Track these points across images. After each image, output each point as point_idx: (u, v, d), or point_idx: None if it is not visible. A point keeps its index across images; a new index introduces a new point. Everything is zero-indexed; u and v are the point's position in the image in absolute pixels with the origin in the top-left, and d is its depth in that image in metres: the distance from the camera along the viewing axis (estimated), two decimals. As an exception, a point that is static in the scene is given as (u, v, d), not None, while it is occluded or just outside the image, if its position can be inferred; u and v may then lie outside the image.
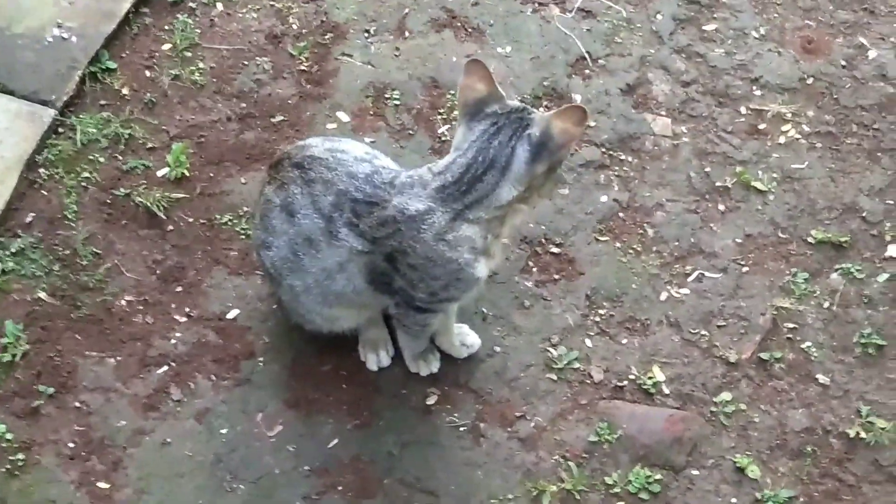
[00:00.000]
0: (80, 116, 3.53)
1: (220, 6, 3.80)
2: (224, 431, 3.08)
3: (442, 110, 3.63)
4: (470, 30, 3.81)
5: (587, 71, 3.74)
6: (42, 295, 3.24)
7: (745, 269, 3.39)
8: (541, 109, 3.61)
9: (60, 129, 3.51)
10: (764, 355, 3.24)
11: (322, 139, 3.00)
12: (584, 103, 3.63)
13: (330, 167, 2.83)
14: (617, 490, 3.04)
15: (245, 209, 3.40)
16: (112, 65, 3.64)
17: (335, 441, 3.08)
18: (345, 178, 2.80)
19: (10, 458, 2.99)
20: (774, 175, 3.54)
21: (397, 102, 3.65)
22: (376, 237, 2.77)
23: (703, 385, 3.20)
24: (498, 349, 3.24)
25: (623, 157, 3.58)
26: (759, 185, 3.52)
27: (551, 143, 2.67)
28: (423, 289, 2.81)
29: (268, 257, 2.95)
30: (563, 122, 2.67)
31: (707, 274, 3.38)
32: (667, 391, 3.19)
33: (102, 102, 3.58)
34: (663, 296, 3.34)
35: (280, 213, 2.87)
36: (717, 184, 3.53)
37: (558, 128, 2.67)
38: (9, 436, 3.02)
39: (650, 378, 3.20)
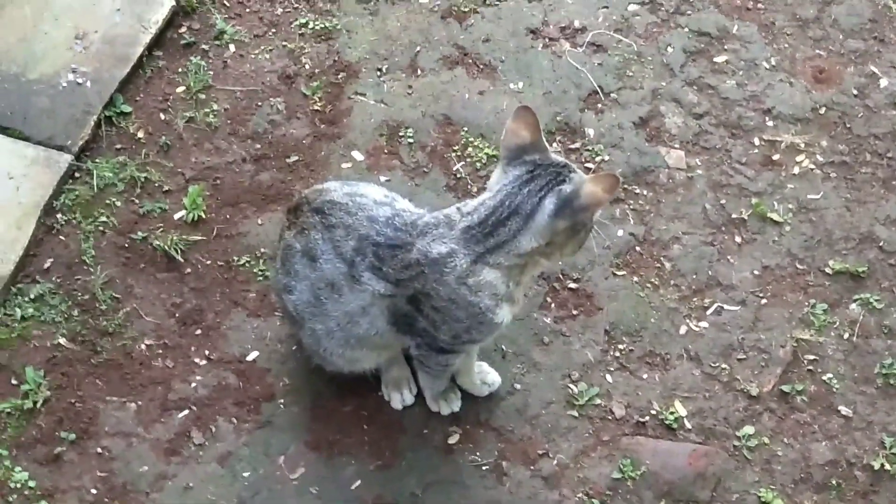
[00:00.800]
0: (97, 161, 3.54)
1: (232, 48, 3.81)
2: (246, 475, 3.07)
3: (456, 147, 3.64)
4: (482, 66, 3.83)
5: (600, 105, 3.75)
6: (62, 340, 3.24)
7: (763, 301, 3.39)
8: (554, 145, 3.63)
9: (77, 174, 3.52)
10: (785, 388, 3.23)
11: (340, 183, 3.00)
12: (597, 137, 3.65)
13: (350, 212, 2.83)
14: (642, 527, 3.03)
15: (262, 250, 3.41)
16: (127, 108, 3.66)
17: (358, 482, 3.07)
18: (365, 222, 2.80)
19: (34, 505, 2.99)
20: (790, 206, 3.54)
21: (411, 140, 3.66)
22: (400, 279, 2.77)
23: (725, 419, 3.19)
24: (518, 386, 3.23)
25: (638, 190, 3.58)
26: (774, 216, 3.52)
27: (577, 202, 2.65)
28: (445, 331, 2.81)
29: (290, 301, 2.95)
30: (595, 186, 2.65)
31: (726, 307, 3.37)
32: (689, 426, 3.18)
33: (118, 146, 3.60)
34: (682, 329, 3.34)
35: (301, 258, 2.88)
36: (733, 216, 3.53)
37: (588, 189, 2.65)
38: (31, 483, 3.02)
39: (672, 413, 3.19)
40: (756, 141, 3.68)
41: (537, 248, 2.70)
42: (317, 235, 2.85)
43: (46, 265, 3.36)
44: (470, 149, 3.62)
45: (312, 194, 2.95)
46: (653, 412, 3.20)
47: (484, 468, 3.11)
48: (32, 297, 3.29)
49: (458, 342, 2.85)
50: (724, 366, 3.28)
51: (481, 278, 2.71)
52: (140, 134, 3.63)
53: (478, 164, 3.60)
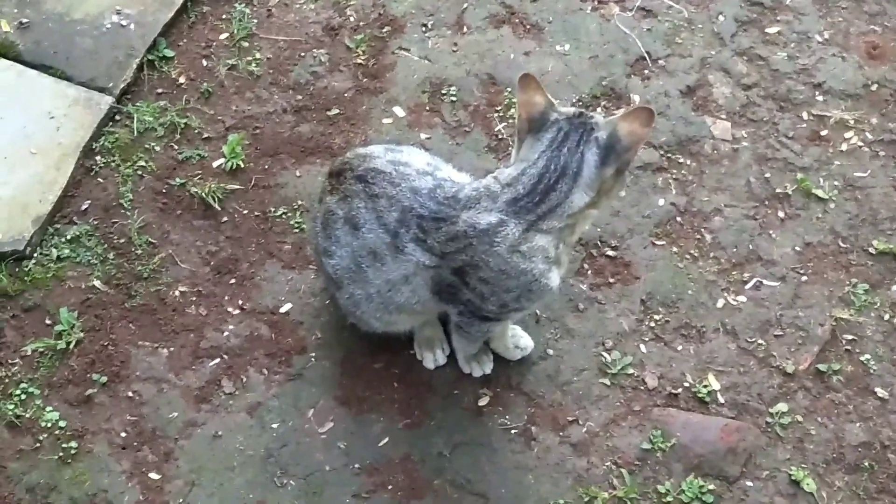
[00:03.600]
0: (137, 104, 3.53)
1: (277, -4, 3.79)
2: (275, 426, 3.07)
3: (499, 107, 3.60)
4: (528, 27, 3.77)
5: (646, 71, 3.69)
6: (96, 283, 3.24)
7: (804, 278, 3.34)
8: (598, 110, 3.58)
9: (117, 117, 3.51)
10: (822, 366, 3.19)
11: (384, 149, 2.94)
12: (642, 104, 3.58)
13: (393, 182, 2.79)
14: (669, 499, 3.00)
15: (300, 202, 3.39)
16: (169, 53, 3.64)
17: (385, 440, 3.07)
18: (409, 193, 2.76)
19: (63, 445, 2.99)
20: (836, 183, 3.48)
21: (454, 98, 3.62)
22: (446, 252, 2.74)
23: (758, 395, 3.16)
24: (551, 352, 3.21)
25: (681, 160, 3.53)
26: (819, 192, 3.47)
27: (619, 146, 2.63)
28: (493, 301, 2.79)
29: (329, 265, 2.92)
30: (631, 124, 2.63)
31: (765, 282, 3.33)
32: (722, 400, 3.15)
33: (159, 91, 3.58)
34: (720, 303, 3.30)
35: (343, 224, 2.85)
36: (777, 190, 3.48)
37: (625, 129, 2.63)
38: (62, 423, 3.03)
39: (705, 386, 3.16)
40: (804, 115, 3.62)
41: (588, 201, 2.67)
42: (360, 204, 2.81)
43: (84, 207, 3.35)
44: (513, 110, 3.57)
45: (356, 160, 2.90)
46: (686, 384, 3.17)
47: (512, 432, 3.09)
48: (69, 238, 3.29)
49: (504, 311, 2.83)
50: (760, 341, 3.24)
51: (534, 244, 2.69)
52: (181, 79, 3.61)
53: (520, 126, 3.55)
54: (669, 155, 3.54)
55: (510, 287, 2.76)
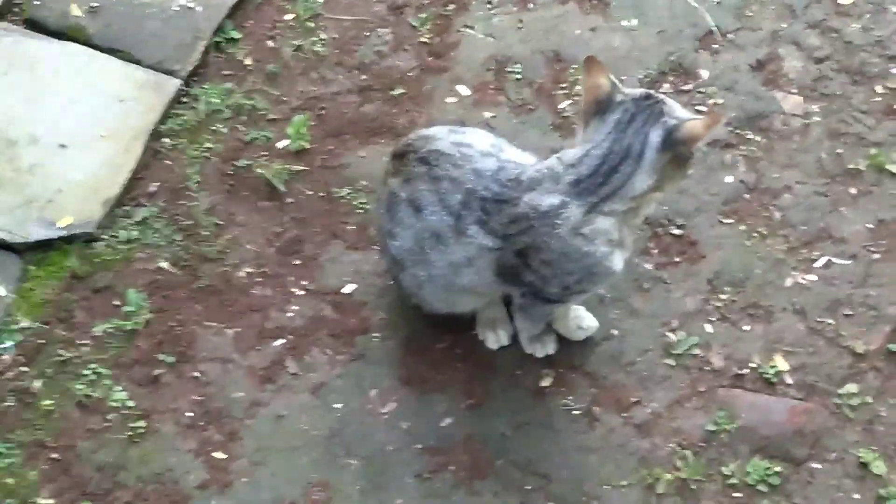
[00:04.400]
0: (204, 87, 3.56)
1: (343, -24, 3.78)
2: (338, 406, 3.09)
3: (564, 85, 3.57)
4: (595, 2, 3.73)
5: (715, 46, 3.63)
6: (164, 264, 3.28)
7: (876, 256, 3.26)
8: (666, 86, 3.52)
9: (184, 99, 3.54)
10: (893, 347, 3.11)
11: (447, 130, 2.93)
12: (711, 79, 3.54)
13: (456, 164, 2.77)
14: (734, 481, 2.96)
15: (364, 183, 3.39)
16: (236, 35, 3.66)
17: (448, 420, 3.07)
18: (472, 176, 2.75)
19: (131, 425, 3.04)
20: (910, 158, 3.40)
21: (518, 77, 3.59)
22: (508, 234, 2.72)
23: (827, 376, 3.09)
24: (615, 332, 3.18)
25: (750, 136, 3.47)
26: (893, 168, 3.38)
27: (676, 135, 2.59)
28: (556, 283, 2.77)
29: (393, 246, 2.93)
30: (695, 121, 2.60)
31: (835, 260, 3.26)
32: (789, 381, 3.09)
33: (226, 73, 3.61)
34: (788, 282, 3.23)
35: (406, 207, 2.84)
36: (850, 166, 3.40)
37: (689, 123, 2.59)
38: (130, 403, 3.08)
39: (772, 367, 3.10)
40: (879, 89, 3.53)
41: (650, 185, 2.64)
42: (422, 186, 2.81)
43: (152, 189, 3.39)
44: (578, 87, 3.52)
45: (419, 141, 2.89)
46: (752, 365, 3.12)
47: (575, 413, 3.07)
48: (137, 220, 3.33)
49: (567, 293, 2.82)
50: (829, 321, 3.17)
51: (597, 226, 2.66)
52: (248, 61, 3.63)
53: (585, 103, 3.51)
54: (738, 131, 3.47)
55: (572, 270, 2.73)
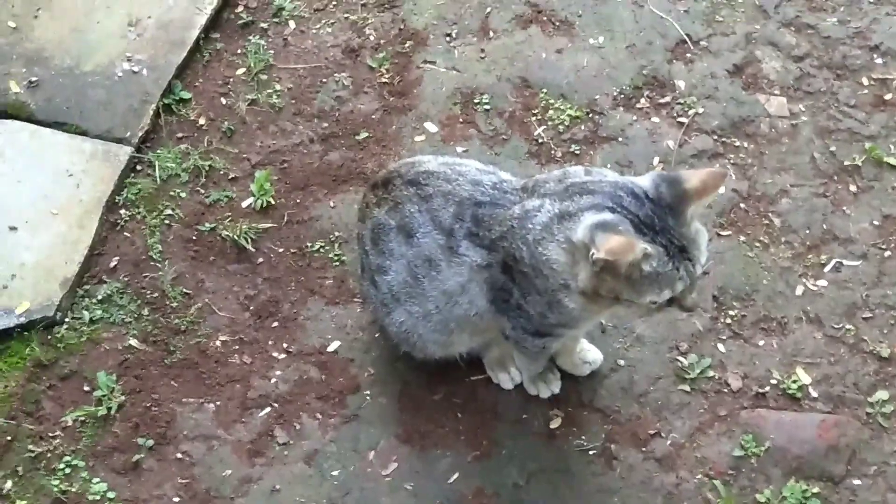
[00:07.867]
0: (158, 151, 3.38)
1: (292, 24, 3.62)
2: (336, 473, 2.89)
3: (535, 111, 3.41)
4: (557, 23, 3.58)
5: (689, 55, 3.49)
6: (133, 342, 3.08)
7: (887, 253, 3.11)
8: (642, 100, 3.38)
9: (138, 167, 3.36)
10: (919, 346, 2.95)
11: (433, 156, 2.87)
12: (689, 89, 3.40)
13: (449, 179, 2.69)
14: (771, 508, 2.77)
15: (336, 234, 3.22)
16: (186, 95, 3.49)
17: (455, 475, 2.87)
18: (468, 186, 2.66)
19: (114, 518, 2.82)
20: (908, 148, 3.26)
21: (487, 107, 3.43)
22: (493, 240, 2.59)
23: (854, 384, 2.92)
24: (622, 363, 3.00)
25: (738, 143, 3.32)
26: (891, 160, 3.26)
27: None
28: (533, 304, 2.60)
29: (385, 282, 2.78)
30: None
31: (845, 262, 3.10)
32: (815, 394, 2.92)
33: (179, 135, 3.43)
34: (799, 290, 3.07)
35: (397, 234, 2.72)
36: (846, 163, 3.26)
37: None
38: (111, 494, 2.87)
39: (794, 381, 2.93)
40: (864, 81, 3.41)
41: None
42: (412, 208, 2.69)
43: (112, 264, 3.20)
44: (551, 111, 3.39)
45: (404, 167, 2.80)
46: (773, 382, 2.94)
47: (591, 453, 2.88)
48: (100, 298, 3.14)
49: (544, 322, 2.63)
50: (848, 326, 3.00)
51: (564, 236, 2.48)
52: (201, 120, 3.45)
53: (560, 127, 3.36)
54: (724, 139, 3.32)
55: (540, 289, 2.55)
